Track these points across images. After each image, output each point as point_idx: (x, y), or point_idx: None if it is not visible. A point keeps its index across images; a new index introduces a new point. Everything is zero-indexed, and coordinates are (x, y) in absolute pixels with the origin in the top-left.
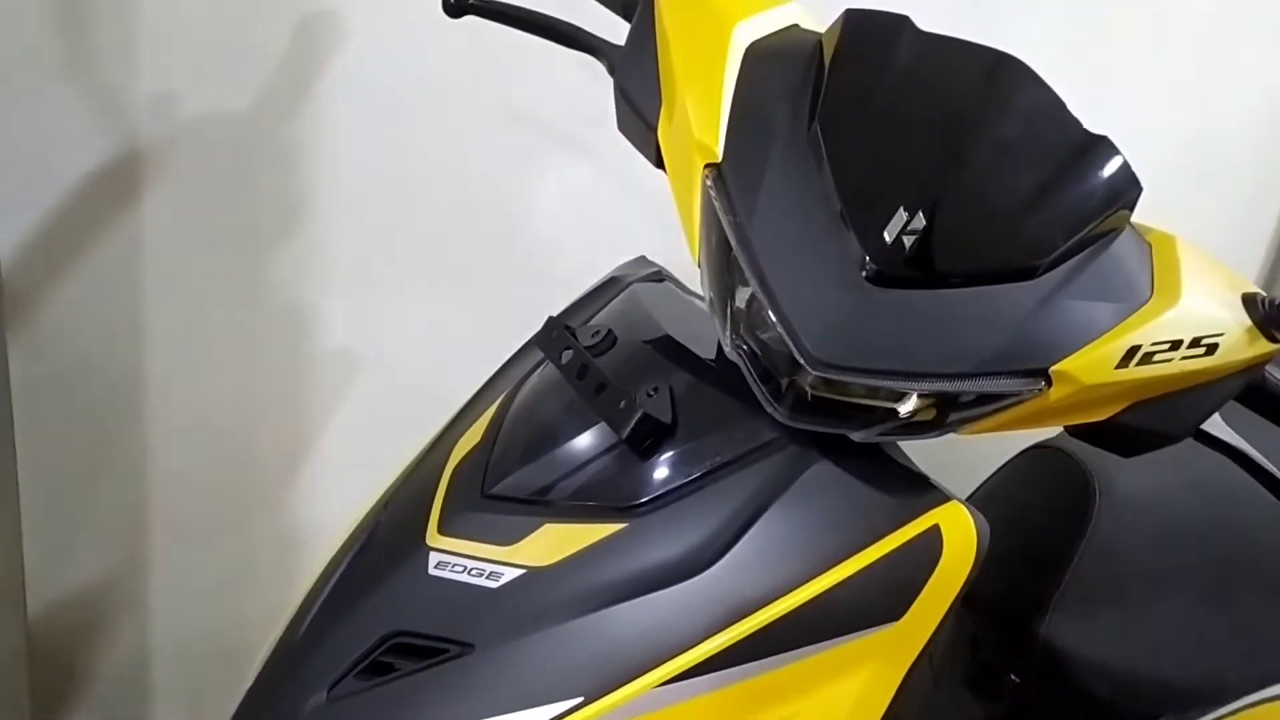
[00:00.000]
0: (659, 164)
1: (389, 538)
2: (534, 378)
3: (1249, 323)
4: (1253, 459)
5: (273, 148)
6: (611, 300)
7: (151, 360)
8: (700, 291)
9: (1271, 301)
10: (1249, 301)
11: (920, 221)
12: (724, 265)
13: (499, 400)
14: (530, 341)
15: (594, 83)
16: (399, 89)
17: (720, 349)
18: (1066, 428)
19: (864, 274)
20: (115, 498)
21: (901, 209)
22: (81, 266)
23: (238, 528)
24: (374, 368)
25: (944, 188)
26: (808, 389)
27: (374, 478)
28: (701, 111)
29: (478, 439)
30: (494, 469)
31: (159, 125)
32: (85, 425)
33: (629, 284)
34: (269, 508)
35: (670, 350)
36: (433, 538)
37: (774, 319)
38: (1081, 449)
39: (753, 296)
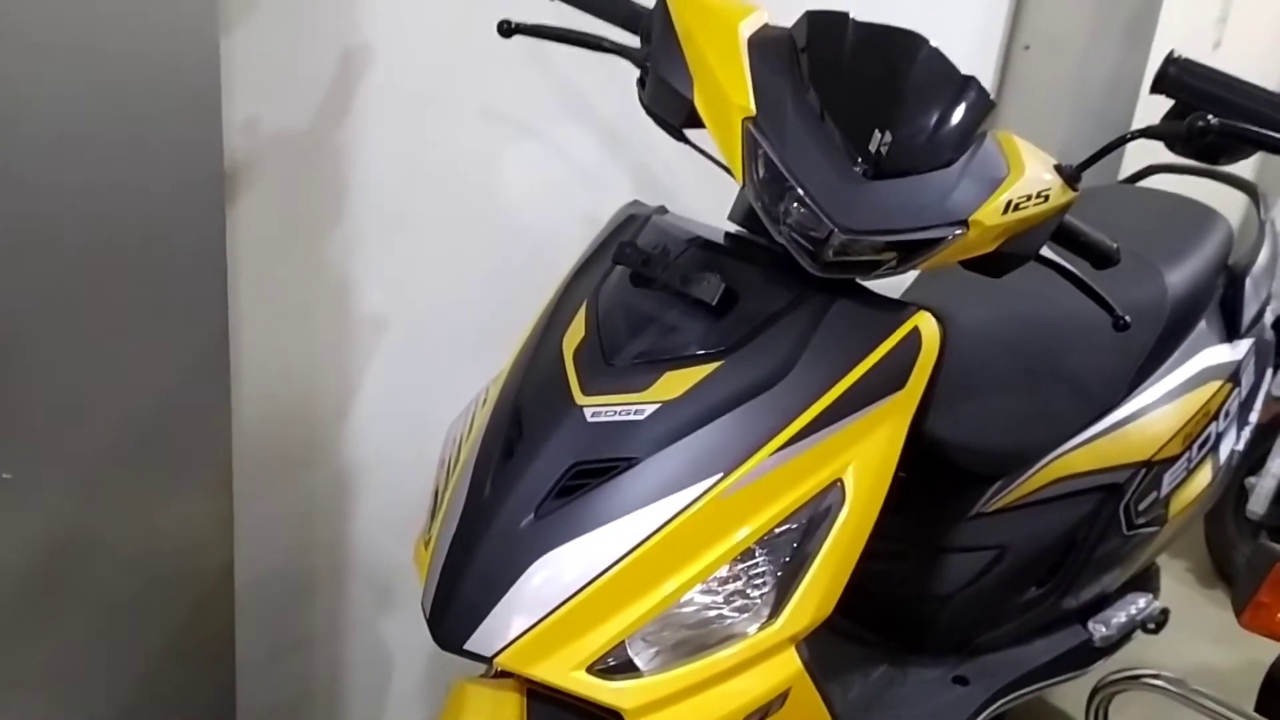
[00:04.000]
0: (684, 124)
1: (539, 408)
2: (607, 285)
3: (1061, 181)
4: (1074, 273)
5: (322, 152)
6: (644, 227)
7: (242, 323)
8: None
9: (1069, 166)
10: (1057, 168)
11: (887, 139)
12: (770, 180)
13: (584, 304)
14: (588, 262)
15: (555, 92)
16: (415, 103)
17: (735, 245)
18: (962, 262)
19: (860, 173)
20: (207, 443)
21: (875, 132)
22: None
23: (303, 465)
24: (400, 323)
25: (894, 117)
26: (831, 251)
27: (406, 409)
28: (734, 85)
29: (583, 332)
30: (608, 348)
31: (247, 139)
32: (177, 377)
33: (647, 217)
34: (330, 443)
35: (708, 249)
36: (580, 399)
37: (811, 205)
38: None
39: (792, 196)
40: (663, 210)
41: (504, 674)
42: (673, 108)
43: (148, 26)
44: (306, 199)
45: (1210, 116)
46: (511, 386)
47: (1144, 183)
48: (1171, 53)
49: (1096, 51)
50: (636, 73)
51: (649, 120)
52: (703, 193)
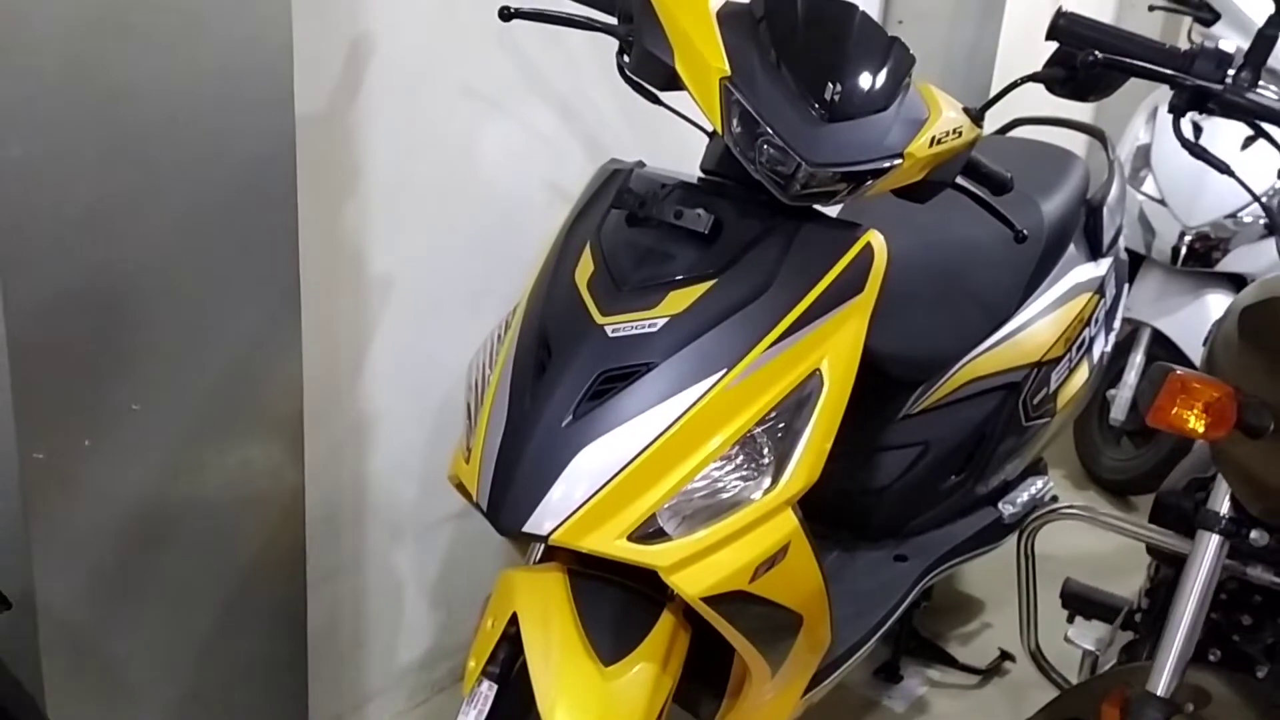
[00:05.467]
0: (665, 88)
1: (565, 330)
2: (606, 226)
3: (969, 120)
4: (982, 196)
5: (335, 132)
6: (630, 178)
7: None
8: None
9: (973, 109)
10: (965, 110)
11: (838, 89)
12: (745, 128)
13: (588, 243)
14: (585, 209)
15: (520, 72)
16: (409, 84)
17: (711, 186)
18: (894, 191)
19: (818, 118)
20: (283, 387)
21: (829, 83)
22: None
23: (326, 416)
24: (403, 286)
25: (842, 72)
26: (798, 184)
27: (410, 364)
28: (710, 50)
29: (593, 266)
30: (617, 276)
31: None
32: (258, 328)
33: (630, 169)
34: (349, 396)
35: (691, 190)
36: (599, 319)
37: (782, 144)
38: None
39: (766, 138)
40: (641, 164)
41: (545, 560)
42: (656, 74)
43: (231, 25)
44: (325, 176)
45: (1097, 53)
46: (534, 316)
47: (1012, 133)
48: (1060, 8)
49: (958, 25)
50: (591, 54)
51: (598, 95)
52: (647, 155)
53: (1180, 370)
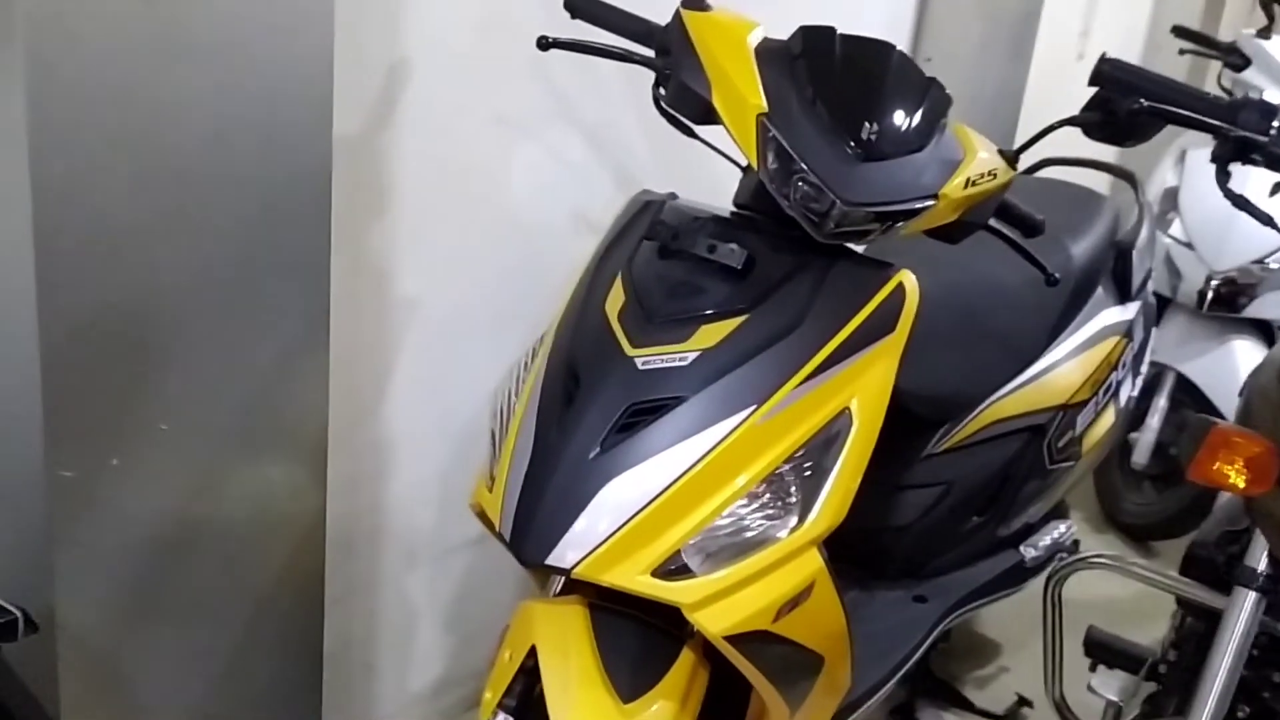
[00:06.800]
0: (700, 121)
1: (593, 361)
2: (638, 258)
3: (1004, 162)
4: (1014, 239)
5: (366, 155)
6: (662, 209)
7: None
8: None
9: (1008, 150)
10: (1000, 152)
11: (874, 128)
12: (781, 164)
13: (620, 273)
14: (615, 240)
15: (553, 101)
16: (442, 111)
17: (744, 221)
18: (926, 231)
19: (855, 155)
20: (309, 407)
21: (865, 122)
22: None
23: (347, 438)
24: (428, 309)
25: (879, 111)
26: (833, 221)
27: (432, 388)
28: (747, 87)
29: (623, 297)
30: (649, 308)
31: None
32: (287, 347)
33: (663, 201)
34: (370, 418)
35: (723, 224)
36: (629, 351)
37: (817, 182)
38: None
39: (801, 175)
40: (674, 196)
41: (565, 592)
42: (692, 107)
43: (274, 50)
44: (354, 199)
45: (1143, 100)
46: (562, 346)
47: (1040, 174)
48: (1104, 54)
49: (986, 65)
50: (621, 85)
51: (628, 126)
52: (676, 187)
53: (1221, 424)
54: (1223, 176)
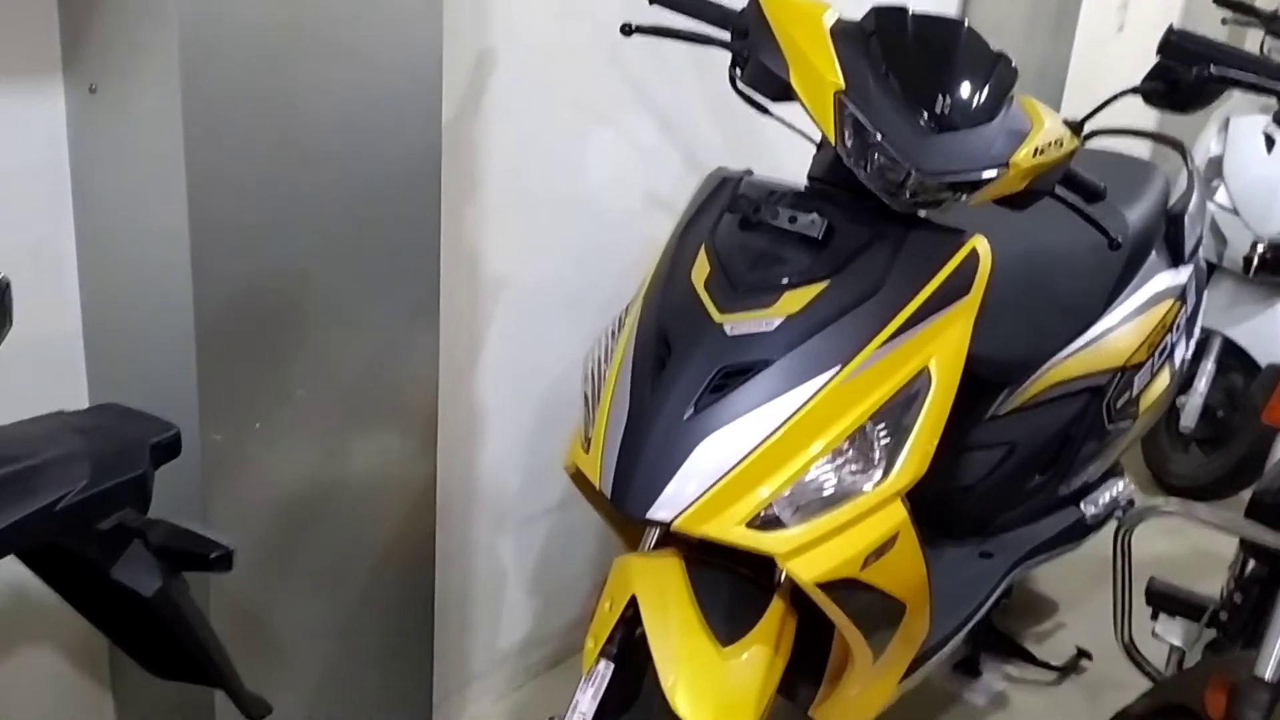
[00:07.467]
0: (776, 99)
1: (684, 328)
2: (720, 231)
3: (1069, 132)
4: (1078, 205)
5: (460, 141)
6: (740, 185)
7: None
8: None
9: (1074, 120)
10: (1065, 122)
11: (948, 102)
12: (858, 138)
13: (703, 245)
14: (696, 215)
15: (627, 88)
16: (526, 97)
17: (818, 193)
18: (995, 200)
19: (929, 128)
20: (422, 378)
21: (939, 95)
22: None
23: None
24: (512, 287)
25: (951, 85)
26: (908, 191)
27: (517, 361)
28: (824, 65)
29: (709, 268)
30: (734, 277)
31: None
32: (401, 322)
33: (740, 177)
34: (463, 390)
35: (801, 196)
36: (718, 318)
37: (894, 154)
38: None
39: (878, 146)
40: (749, 172)
41: (659, 546)
42: (769, 86)
43: (390, 43)
44: (450, 182)
45: (1212, 67)
46: (651, 315)
47: (1089, 144)
48: (1171, 26)
49: (1032, 38)
50: (688, 71)
51: (696, 110)
52: (739, 165)
53: None
54: None
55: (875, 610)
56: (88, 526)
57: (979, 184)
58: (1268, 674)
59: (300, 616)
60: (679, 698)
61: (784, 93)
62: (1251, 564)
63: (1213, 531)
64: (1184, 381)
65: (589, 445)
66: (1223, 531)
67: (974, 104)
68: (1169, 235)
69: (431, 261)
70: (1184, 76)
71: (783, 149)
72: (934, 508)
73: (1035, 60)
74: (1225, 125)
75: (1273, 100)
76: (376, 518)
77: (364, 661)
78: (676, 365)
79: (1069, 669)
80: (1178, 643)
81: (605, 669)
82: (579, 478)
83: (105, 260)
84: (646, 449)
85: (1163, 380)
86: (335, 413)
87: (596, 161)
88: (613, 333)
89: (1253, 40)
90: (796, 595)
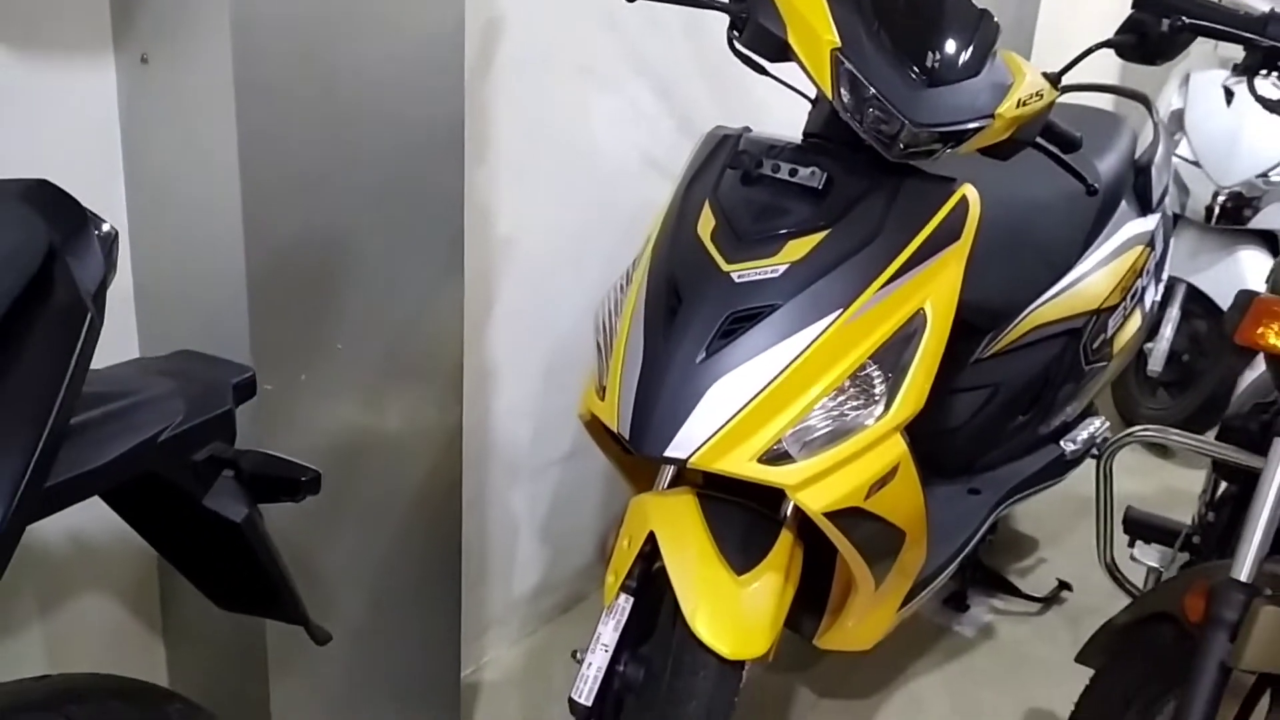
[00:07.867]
0: (774, 59)
1: (693, 278)
2: (723, 185)
3: (1048, 84)
4: (1057, 153)
5: (470, 105)
6: (739, 141)
7: None
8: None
9: (1052, 73)
10: (1044, 75)
11: (937, 57)
12: (854, 92)
13: (707, 200)
14: (699, 172)
15: (625, 52)
16: (530, 63)
17: (815, 147)
18: (980, 150)
19: (920, 82)
20: (448, 335)
21: (929, 51)
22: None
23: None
24: (522, 246)
25: (940, 41)
26: (902, 142)
27: (526, 316)
28: (820, 24)
29: (714, 221)
30: (738, 229)
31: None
32: (430, 280)
33: (739, 134)
34: (476, 344)
35: (800, 150)
36: (725, 267)
37: (889, 107)
38: None
39: (873, 101)
40: (747, 129)
41: (673, 485)
42: (767, 47)
43: (416, 18)
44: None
45: (1184, 18)
46: (660, 266)
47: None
48: None
49: None
50: (686, 36)
51: (691, 74)
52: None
53: (1264, 294)
54: (1253, 85)
55: (878, 538)
56: (184, 458)
57: (967, 134)
58: (1243, 575)
59: (342, 558)
60: (700, 623)
61: (780, 53)
62: (1223, 486)
63: (1179, 471)
64: (1151, 328)
65: (604, 393)
66: (1197, 451)
67: (961, 59)
68: (1137, 185)
69: (457, 219)
70: (1155, 29)
71: (774, 110)
72: (925, 449)
73: (1006, 17)
74: (1186, 80)
75: (1230, 54)
76: (409, 465)
77: (400, 600)
78: (687, 313)
79: (1051, 599)
80: (1154, 564)
81: (625, 602)
82: (593, 425)
83: (156, 225)
84: (662, 392)
85: (1134, 322)
86: (372, 365)
87: (599, 124)
88: (621, 286)
89: None
90: (802, 528)
